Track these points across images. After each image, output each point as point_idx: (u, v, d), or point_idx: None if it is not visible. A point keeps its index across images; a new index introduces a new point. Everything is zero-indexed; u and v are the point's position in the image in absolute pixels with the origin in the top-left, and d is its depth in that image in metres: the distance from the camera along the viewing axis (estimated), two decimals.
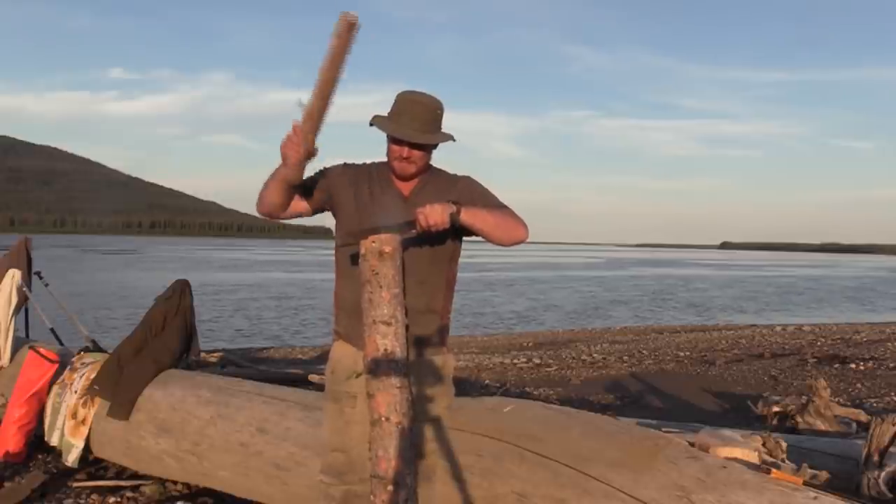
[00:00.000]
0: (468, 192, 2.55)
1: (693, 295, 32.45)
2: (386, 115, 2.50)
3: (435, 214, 2.31)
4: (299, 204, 2.56)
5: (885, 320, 19.30)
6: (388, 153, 2.52)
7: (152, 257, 64.56)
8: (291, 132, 2.28)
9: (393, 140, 2.48)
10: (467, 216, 2.38)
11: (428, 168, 2.58)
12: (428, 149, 2.51)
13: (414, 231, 2.34)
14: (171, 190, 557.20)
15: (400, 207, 2.49)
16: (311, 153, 2.33)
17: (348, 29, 2.08)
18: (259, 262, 59.26)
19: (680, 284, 41.02)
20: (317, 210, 2.60)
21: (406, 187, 2.56)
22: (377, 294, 2.22)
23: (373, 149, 2.66)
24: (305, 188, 2.52)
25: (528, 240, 2.54)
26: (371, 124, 2.48)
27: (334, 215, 2.62)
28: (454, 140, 2.51)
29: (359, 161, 2.68)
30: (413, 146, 2.45)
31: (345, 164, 2.65)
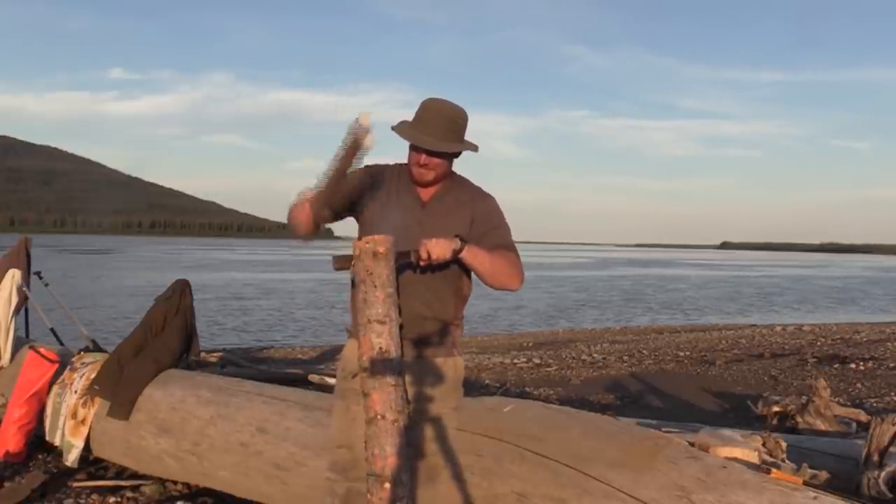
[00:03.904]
0: (485, 216, 2.57)
1: (669, 296, 31.95)
2: (411, 119, 2.52)
3: (438, 249, 2.35)
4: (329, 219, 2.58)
5: (885, 320, 19.28)
6: (408, 158, 2.55)
7: (124, 257, 62.42)
8: (302, 199, 2.33)
9: (411, 146, 2.51)
10: (469, 255, 2.42)
11: (450, 175, 2.59)
12: (446, 157, 2.52)
13: (413, 260, 2.37)
14: (171, 190, 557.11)
15: (417, 212, 2.52)
16: (320, 221, 2.40)
17: (361, 135, 2.13)
18: (233, 262, 57.37)
19: (659, 285, 40.40)
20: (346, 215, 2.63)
21: (426, 193, 2.57)
22: (371, 293, 2.23)
23: (378, 149, 2.63)
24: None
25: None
26: (392, 129, 2.50)
27: (357, 217, 2.63)
28: (475, 150, 2.53)
29: (377, 161, 2.68)
30: (431, 153, 2.47)
31: (365, 165, 2.65)
